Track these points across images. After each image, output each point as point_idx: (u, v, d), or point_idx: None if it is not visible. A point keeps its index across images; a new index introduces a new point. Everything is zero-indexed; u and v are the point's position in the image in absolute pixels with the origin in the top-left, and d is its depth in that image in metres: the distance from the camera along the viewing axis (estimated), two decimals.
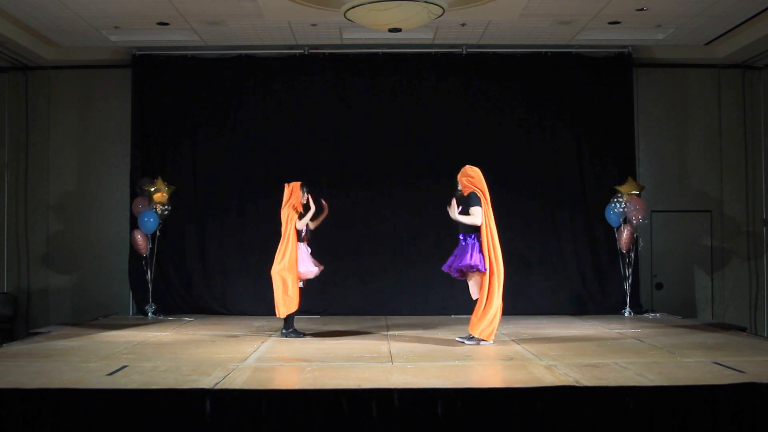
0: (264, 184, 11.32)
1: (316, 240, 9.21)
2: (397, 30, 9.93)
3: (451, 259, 8.30)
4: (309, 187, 9.06)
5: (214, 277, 11.71)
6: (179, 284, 11.71)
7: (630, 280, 11.25)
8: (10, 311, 11.75)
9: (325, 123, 11.76)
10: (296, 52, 11.83)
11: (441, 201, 8.80)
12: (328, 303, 11.28)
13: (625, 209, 11.01)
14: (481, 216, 8.10)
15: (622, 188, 11.11)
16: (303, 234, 8.81)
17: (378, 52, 11.82)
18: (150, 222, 10.99)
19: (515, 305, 11.35)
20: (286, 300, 8.59)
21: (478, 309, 8.16)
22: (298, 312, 8.88)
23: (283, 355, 7.62)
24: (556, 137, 11.84)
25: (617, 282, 11.44)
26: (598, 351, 7.67)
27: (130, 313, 11.75)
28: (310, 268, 8.78)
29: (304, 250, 8.81)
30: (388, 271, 11.60)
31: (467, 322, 8.68)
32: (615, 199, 11.10)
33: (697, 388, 5.66)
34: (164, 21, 10.60)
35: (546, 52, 11.84)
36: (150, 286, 11.21)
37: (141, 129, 11.74)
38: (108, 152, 12.13)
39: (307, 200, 8.89)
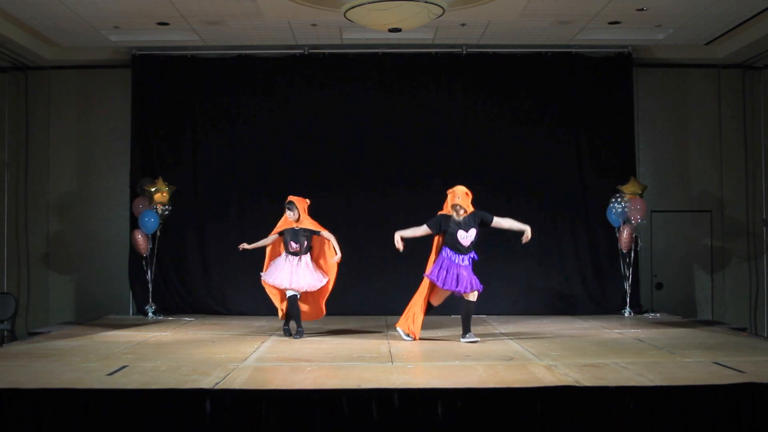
0: (264, 184, 11.32)
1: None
2: (397, 30, 9.93)
3: (466, 279, 8.33)
4: (313, 196, 9.20)
5: (214, 277, 11.71)
6: (179, 284, 11.71)
7: (630, 280, 11.26)
8: (10, 311, 11.73)
9: (325, 123, 11.75)
10: (296, 52, 11.82)
11: (441, 201, 8.78)
12: (328, 303, 11.24)
13: (626, 209, 11.01)
14: None
15: (625, 188, 11.10)
16: (292, 248, 8.79)
17: (378, 52, 11.82)
18: (150, 222, 10.99)
19: (515, 305, 11.42)
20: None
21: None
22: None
23: (283, 355, 7.61)
24: (556, 137, 11.84)
25: (617, 282, 11.44)
26: (598, 351, 7.67)
27: (130, 313, 11.74)
28: (275, 281, 8.78)
29: (283, 261, 8.82)
30: (388, 271, 11.58)
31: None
32: (615, 199, 11.10)
33: (697, 388, 5.65)
34: (164, 21, 10.60)
35: (546, 52, 11.84)
36: (150, 286, 11.21)
37: (141, 129, 11.75)
38: (108, 152, 12.13)
39: (298, 216, 8.81)
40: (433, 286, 8.57)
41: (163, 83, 11.83)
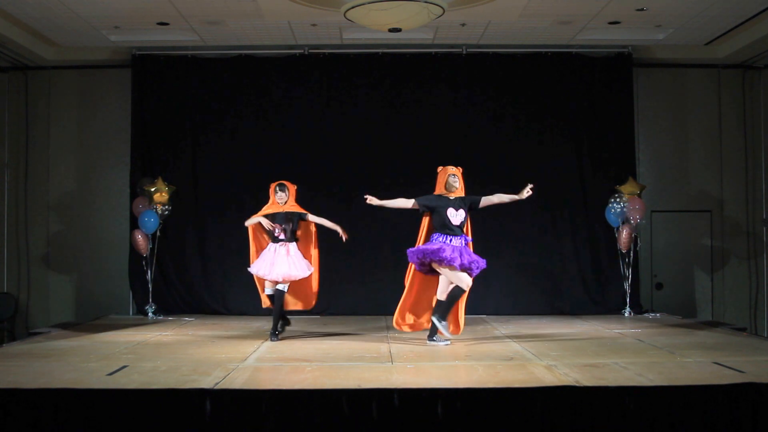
0: (264, 184, 11.20)
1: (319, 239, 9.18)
2: (397, 30, 9.92)
3: (467, 256, 8.02)
4: (304, 186, 9.22)
5: (214, 277, 11.70)
6: (179, 284, 11.71)
7: (630, 280, 11.26)
8: (10, 311, 11.75)
9: (325, 123, 11.75)
10: (296, 52, 11.83)
11: None
12: (328, 303, 11.27)
13: (625, 209, 11.01)
14: None
15: (623, 188, 11.11)
16: (276, 233, 8.67)
17: (378, 52, 11.82)
18: (150, 222, 10.99)
19: (515, 305, 11.41)
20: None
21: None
22: (291, 312, 9.14)
23: (283, 355, 7.61)
24: (556, 137, 11.84)
25: (617, 282, 11.43)
26: (598, 351, 7.67)
27: (130, 313, 11.74)
28: (258, 270, 8.67)
29: (266, 251, 8.71)
30: (388, 271, 11.55)
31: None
32: (614, 199, 11.11)
33: (697, 388, 5.66)
34: (164, 21, 10.60)
35: (546, 52, 11.84)
36: (150, 286, 11.21)
37: (141, 129, 11.74)
38: (108, 152, 12.13)
39: (285, 200, 8.77)
40: (422, 277, 8.32)
41: (163, 83, 11.83)
